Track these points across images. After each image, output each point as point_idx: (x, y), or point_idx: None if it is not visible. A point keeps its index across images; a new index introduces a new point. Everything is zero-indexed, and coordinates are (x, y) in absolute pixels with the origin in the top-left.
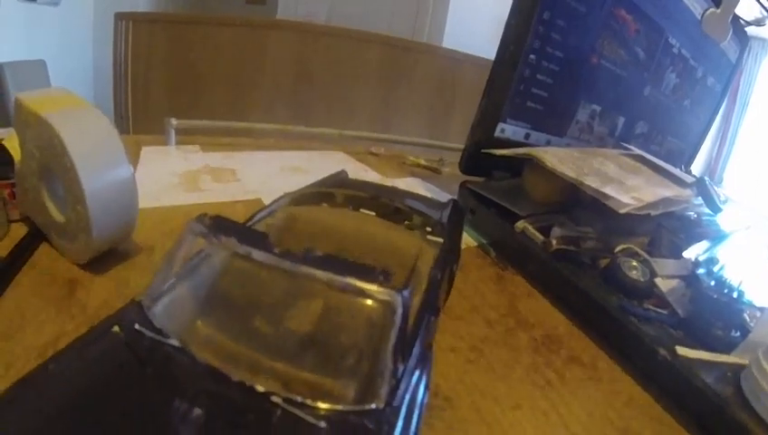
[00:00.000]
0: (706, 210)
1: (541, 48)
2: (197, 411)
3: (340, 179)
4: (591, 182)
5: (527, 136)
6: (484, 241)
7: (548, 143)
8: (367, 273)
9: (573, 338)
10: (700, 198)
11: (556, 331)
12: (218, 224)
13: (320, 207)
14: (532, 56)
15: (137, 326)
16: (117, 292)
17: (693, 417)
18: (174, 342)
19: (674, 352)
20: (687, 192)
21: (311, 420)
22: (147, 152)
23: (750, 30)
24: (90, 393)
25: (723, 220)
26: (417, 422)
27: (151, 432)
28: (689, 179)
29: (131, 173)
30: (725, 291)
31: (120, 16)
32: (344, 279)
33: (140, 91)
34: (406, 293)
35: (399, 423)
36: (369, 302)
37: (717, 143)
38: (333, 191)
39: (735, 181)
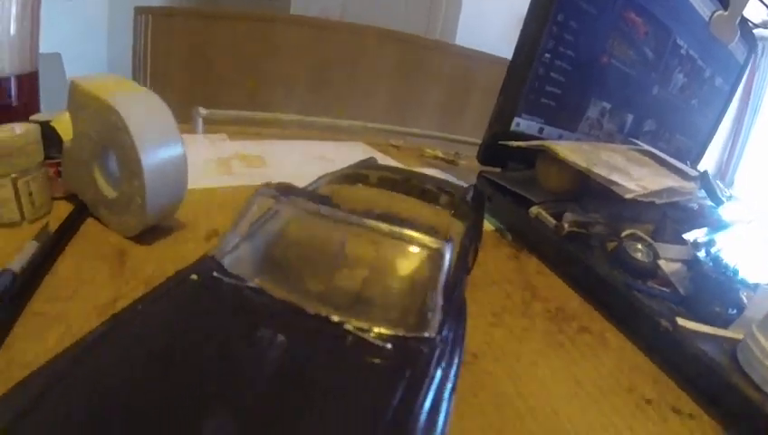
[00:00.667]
0: (709, 202)
1: (554, 48)
2: (281, 338)
3: (370, 164)
4: (600, 171)
5: (540, 130)
6: (501, 226)
7: (560, 138)
8: (419, 227)
9: (583, 311)
10: (703, 190)
11: (568, 304)
12: (285, 188)
13: (356, 186)
14: (546, 55)
15: (214, 274)
16: (166, 261)
17: (691, 381)
18: (251, 284)
19: (675, 323)
20: (691, 184)
21: (378, 343)
22: None
23: (761, 32)
24: (181, 327)
25: (725, 212)
26: (460, 353)
27: (243, 356)
28: (693, 173)
29: (184, 152)
30: (723, 271)
31: (139, 11)
32: (402, 230)
33: (159, 83)
34: (451, 243)
35: (448, 350)
36: (422, 249)
37: (729, 145)
38: (367, 173)
39: (746, 183)
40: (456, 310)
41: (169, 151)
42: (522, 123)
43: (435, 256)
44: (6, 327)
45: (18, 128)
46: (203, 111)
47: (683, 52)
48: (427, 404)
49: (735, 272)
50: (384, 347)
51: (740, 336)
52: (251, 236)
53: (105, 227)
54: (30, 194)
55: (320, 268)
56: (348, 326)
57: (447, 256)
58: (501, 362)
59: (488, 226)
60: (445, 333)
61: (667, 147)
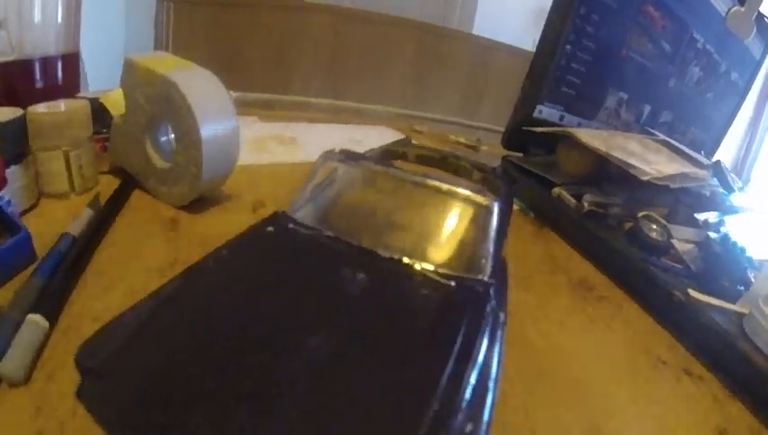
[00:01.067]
0: (721, 190)
1: (576, 40)
2: (361, 275)
3: (406, 143)
4: (618, 154)
5: (561, 118)
6: (524, 206)
7: (579, 125)
8: (470, 187)
9: (602, 283)
10: (716, 178)
11: (587, 276)
12: (349, 153)
13: (396, 162)
14: (568, 47)
15: (290, 226)
16: (218, 227)
17: (702, 347)
18: (327, 233)
19: (687, 294)
20: (704, 172)
21: (443, 281)
22: None
23: None
24: (269, 265)
25: (736, 199)
26: (506, 296)
27: (331, 288)
28: (706, 162)
29: (238, 125)
30: (732, 250)
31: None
32: (458, 189)
33: None
34: (498, 201)
35: (500, 291)
36: (474, 206)
37: (745, 144)
38: (406, 150)
39: (762, 181)
40: (500, 266)
41: (225, 124)
42: (544, 110)
43: (485, 212)
44: (70, 285)
45: (66, 104)
46: (233, 93)
47: (699, 46)
48: (486, 336)
49: (743, 250)
50: (449, 284)
51: (747, 311)
52: (319, 195)
53: (153, 198)
54: (80, 167)
55: (386, 220)
56: (417, 267)
57: (495, 212)
58: (533, 319)
59: (513, 205)
60: (495, 278)
61: (683, 139)
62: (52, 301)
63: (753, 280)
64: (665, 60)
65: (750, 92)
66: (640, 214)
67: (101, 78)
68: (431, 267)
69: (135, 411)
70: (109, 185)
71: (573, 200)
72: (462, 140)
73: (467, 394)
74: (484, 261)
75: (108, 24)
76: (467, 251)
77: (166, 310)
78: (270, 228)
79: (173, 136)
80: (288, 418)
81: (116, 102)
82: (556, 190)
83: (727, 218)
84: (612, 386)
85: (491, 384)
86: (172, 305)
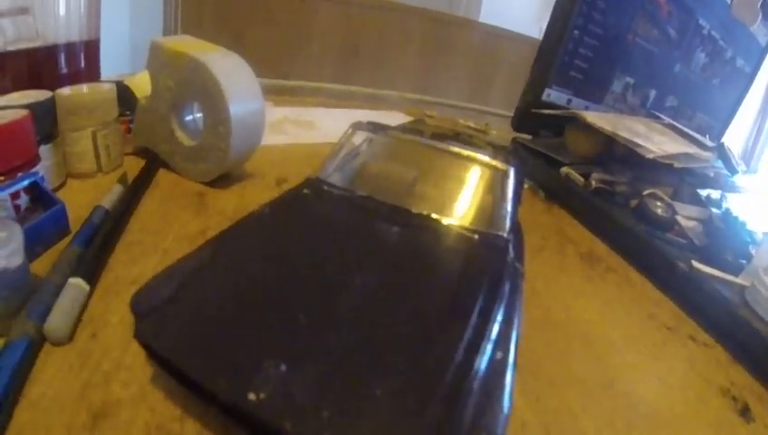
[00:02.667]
0: (725, 172)
1: (583, 25)
2: (395, 228)
3: (421, 122)
4: (624, 134)
5: (569, 101)
6: (534, 184)
7: (586, 109)
8: (489, 153)
9: (609, 256)
10: (720, 160)
11: (595, 249)
12: (376, 124)
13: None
14: (575, 32)
15: (325, 187)
16: (244, 200)
17: (706, 316)
18: (360, 193)
19: (691, 266)
20: (708, 154)
21: (468, 234)
22: None
23: None
24: (310, 219)
25: (739, 180)
26: (522, 252)
27: (370, 238)
28: (711, 144)
29: (263, 104)
30: (733, 225)
31: None
32: (478, 154)
33: None
34: (515, 166)
35: (517, 247)
36: (493, 169)
37: (753, 134)
38: (422, 128)
39: None
40: (516, 226)
41: (252, 102)
42: (552, 94)
43: (503, 176)
44: (106, 252)
45: (92, 87)
46: None
47: (705, 32)
48: (507, 281)
49: (744, 225)
50: (473, 238)
51: (749, 283)
52: (349, 162)
53: (179, 176)
54: (107, 146)
55: (413, 183)
56: (444, 222)
57: (512, 177)
58: (545, 284)
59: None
60: (512, 235)
61: (689, 124)
62: (90, 266)
63: (753, 255)
64: (671, 46)
65: (758, 83)
66: (646, 192)
67: (108, 64)
68: (457, 223)
69: (193, 342)
70: (133, 165)
71: (581, 179)
72: (472, 124)
73: (496, 326)
74: (502, 219)
75: (112, 11)
76: (488, 210)
77: (215, 258)
78: (306, 191)
79: (199, 115)
80: (339, 341)
81: (142, 85)
82: (564, 169)
83: (729, 195)
84: (622, 346)
85: (515, 319)
86: (221, 254)
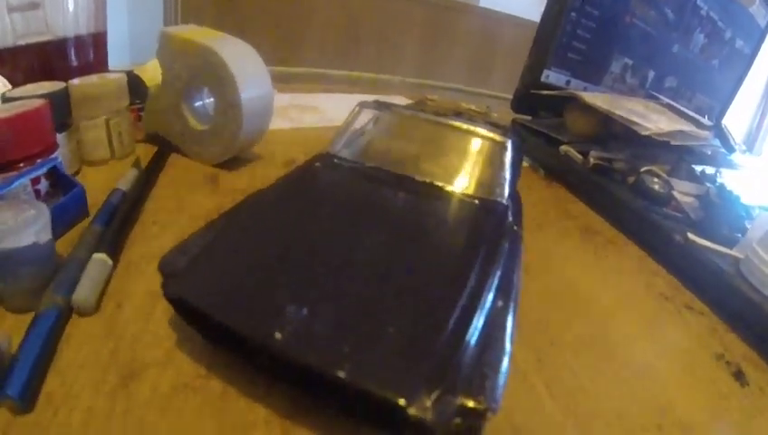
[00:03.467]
0: (723, 150)
1: (580, 7)
2: (402, 194)
3: (421, 102)
4: (620, 112)
5: (568, 82)
6: (534, 163)
7: (585, 90)
8: (488, 127)
9: (608, 230)
10: (718, 139)
11: (594, 224)
12: (382, 103)
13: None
14: (573, 14)
15: (335, 160)
16: (256, 180)
17: (701, 286)
18: (370, 163)
19: (686, 238)
20: (705, 132)
21: (469, 200)
22: None
23: None
24: (323, 187)
25: (737, 159)
26: (521, 217)
27: (378, 202)
28: (708, 123)
29: (272, 88)
30: (728, 199)
31: None
32: (477, 128)
33: None
34: (512, 139)
35: (516, 213)
36: (492, 142)
37: (758, 116)
38: (424, 107)
39: None
40: (515, 195)
41: (261, 86)
42: (551, 75)
43: (501, 147)
44: (126, 230)
45: (103, 77)
46: None
47: (703, 13)
48: (507, 241)
49: (738, 199)
50: (474, 203)
51: (743, 255)
52: (358, 138)
53: (190, 160)
54: (119, 134)
55: (417, 155)
56: (448, 188)
57: (510, 148)
58: (545, 255)
59: (523, 163)
60: (511, 201)
61: (689, 105)
62: (112, 243)
63: (749, 228)
64: (668, 27)
65: (762, 65)
66: (643, 169)
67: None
68: (459, 190)
69: (221, 292)
70: (145, 151)
71: (580, 156)
72: (473, 107)
73: (496, 278)
74: (501, 187)
75: (111, 2)
76: (488, 179)
77: (236, 222)
78: (318, 164)
79: (209, 100)
80: (354, 288)
81: (151, 74)
82: (563, 148)
83: (725, 171)
84: (620, 313)
85: (514, 274)
86: (241, 219)
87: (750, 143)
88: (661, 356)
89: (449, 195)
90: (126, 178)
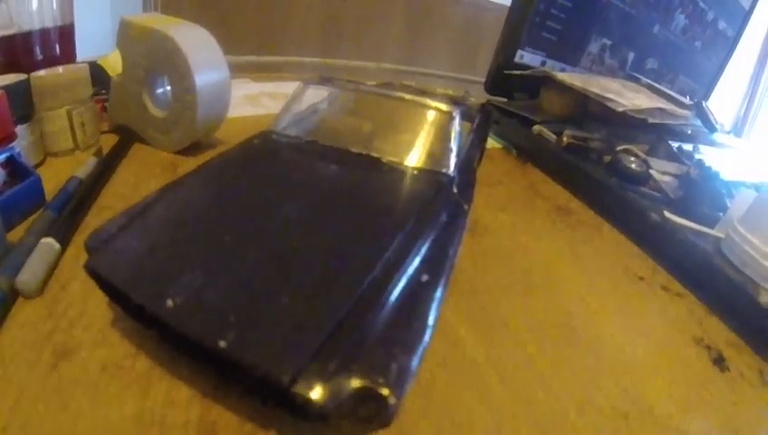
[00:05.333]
0: (704, 130)
1: None
2: (333, 166)
3: (388, 84)
4: (595, 90)
5: (543, 63)
6: (507, 144)
7: (562, 71)
8: (435, 97)
9: (582, 210)
10: (699, 119)
11: (568, 204)
12: (324, 78)
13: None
14: None
15: (273, 137)
16: None
17: (679, 266)
18: (306, 138)
19: (663, 216)
20: (685, 111)
21: (408, 170)
22: None
23: None
24: (254, 162)
25: (719, 138)
26: (472, 193)
27: (306, 175)
28: (688, 102)
29: (228, 73)
30: (708, 175)
31: None
32: (422, 99)
33: None
34: (460, 108)
35: (459, 184)
36: (438, 112)
37: (746, 102)
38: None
39: (761, 140)
40: (468, 168)
41: (216, 71)
42: (525, 56)
43: (448, 118)
44: (79, 216)
45: (65, 68)
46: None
47: None
48: (444, 215)
49: (718, 175)
50: (412, 173)
51: (724, 235)
52: (299, 113)
53: (153, 148)
54: (82, 124)
55: (358, 127)
56: (384, 159)
57: (457, 118)
58: (510, 235)
59: (495, 144)
60: (457, 173)
61: (671, 87)
62: (62, 228)
63: (729, 206)
64: (648, 6)
65: (750, 51)
66: (620, 148)
67: (90, 47)
68: (398, 160)
69: (127, 264)
70: (110, 142)
71: (553, 136)
72: (450, 92)
73: (424, 250)
74: (446, 158)
75: (93, 4)
76: (432, 149)
77: (160, 200)
78: (256, 141)
79: (170, 87)
80: (257, 258)
81: (114, 63)
82: (536, 128)
83: (703, 148)
84: (587, 293)
85: (450, 250)
86: (166, 196)
87: (738, 130)
88: (634, 341)
89: (386, 166)
90: (85, 166)
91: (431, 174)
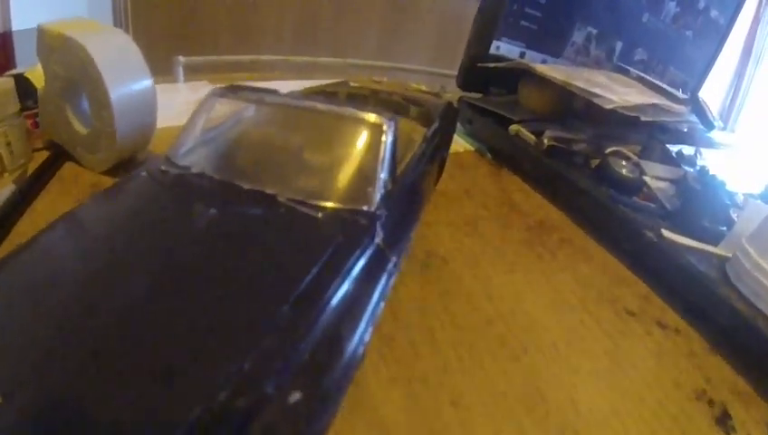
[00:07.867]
0: (701, 127)
1: None
2: (212, 211)
3: (342, 83)
4: (579, 83)
5: (522, 55)
6: (481, 146)
7: (543, 63)
8: (361, 105)
9: (565, 225)
10: (694, 114)
11: (548, 218)
12: (235, 87)
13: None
14: None
15: (162, 168)
16: None
17: (678, 295)
18: (194, 170)
19: (660, 235)
20: (681, 107)
21: (309, 212)
22: (157, 90)
23: None
24: (124, 212)
25: (716, 136)
26: (409, 235)
27: (173, 230)
28: (683, 96)
29: (151, 82)
30: (711, 185)
31: None
32: (342, 109)
33: (142, 38)
34: (394, 121)
35: (387, 225)
36: (362, 125)
37: (730, 95)
38: (337, 90)
39: (748, 132)
40: (407, 194)
41: (136, 82)
42: (501, 47)
43: (375, 132)
44: None
45: None
46: (182, 59)
47: None
48: (357, 270)
49: (723, 185)
50: (315, 217)
51: (730, 254)
52: (202, 133)
53: (82, 168)
54: (8, 144)
55: (259, 150)
56: (281, 198)
57: (390, 133)
58: (473, 267)
59: (467, 146)
60: (386, 210)
61: (661, 79)
62: None
63: (735, 220)
64: None
65: (734, 43)
66: (609, 150)
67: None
68: (299, 198)
69: None
70: (41, 161)
71: (533, 137)
72: (424, 87)
73: (301, 352)
74: (370, 189)
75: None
76: (350, 178)
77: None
78: (144, 172)
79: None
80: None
81: (40, 76)
82: (514, 127)
83: (705, 151)
84: (564, 344)
85: (348, 346)
86: (21, 257)
87: (724, 120)
88: (620, 400)
89: (282, 206)
90: (1, 193)
91: (343, 213)
